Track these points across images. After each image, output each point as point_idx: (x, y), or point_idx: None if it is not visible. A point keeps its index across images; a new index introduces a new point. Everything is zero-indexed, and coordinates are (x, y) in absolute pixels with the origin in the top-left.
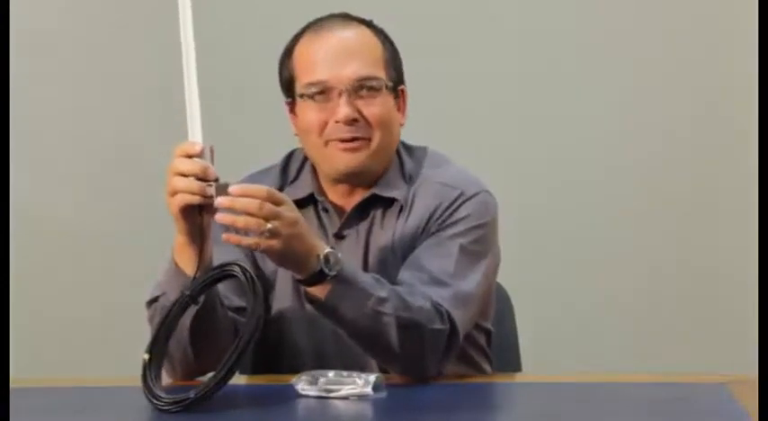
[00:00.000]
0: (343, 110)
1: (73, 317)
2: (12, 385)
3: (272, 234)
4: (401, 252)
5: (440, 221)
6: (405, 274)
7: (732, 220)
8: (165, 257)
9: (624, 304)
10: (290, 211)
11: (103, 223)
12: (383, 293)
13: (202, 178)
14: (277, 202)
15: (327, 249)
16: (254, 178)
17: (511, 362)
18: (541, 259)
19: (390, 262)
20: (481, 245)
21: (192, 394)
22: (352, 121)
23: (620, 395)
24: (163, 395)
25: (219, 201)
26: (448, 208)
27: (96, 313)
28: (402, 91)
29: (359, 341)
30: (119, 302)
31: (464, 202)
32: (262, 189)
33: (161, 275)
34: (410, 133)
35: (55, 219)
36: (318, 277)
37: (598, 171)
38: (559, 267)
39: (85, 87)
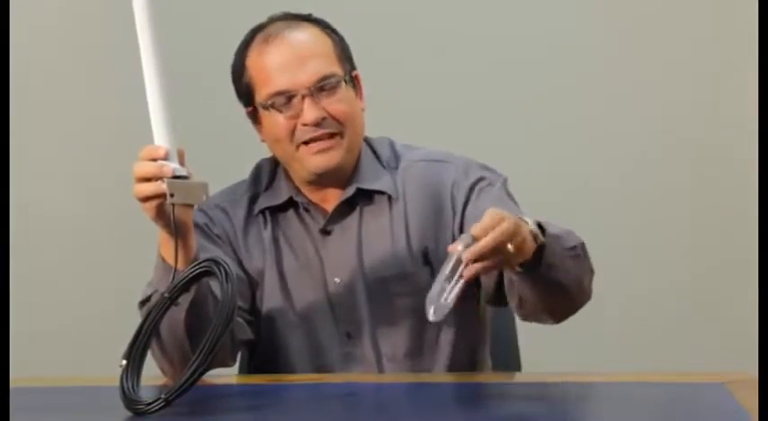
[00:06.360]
0: (310, 113)
1: (73, 316)
2: (12, 385)
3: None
4: (410, 237)
5: (477, 187)
6: None
7: (732, 220)
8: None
9: (624, 304)
10: (510, 220)
11: (104, 222)
12: (560, 232)
13: (161, 177)
14: (499, 221)
15: (531, 223)
16: (225, 194)
17: (511, 362)
18: None
19: (387, 251)
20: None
21: (163, 394)
22: (320, 121)
23: (621, 395)
24: (141, 398)
25: (466, 256)
26: (465, 175)
27: (96, 312)
28: (356, 77)
29: (569, 290)
30: (119, 302)
31: (472, 167)
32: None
33: (153, 274)
34: (413, 133)
35: (55, 218)
36: (537, 259)
37: (597, 171)
38: None
39: (86, 86)
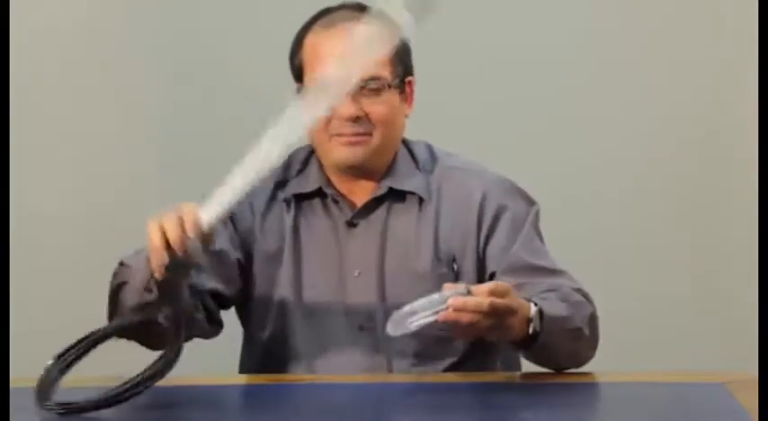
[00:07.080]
0: (347, 109)
1: (73, 316)
2: (12, 385)
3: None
4: (438, 240)
5: (504, 216)
6: (523, 279)
7: (732, 220)
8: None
9: (624, 304)
10: (512, 300)
11: (104, 222)
12: (566, 313)
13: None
14: (502, 294)
15: (533, 311)
16: None
17: (511, 361)
18: None
19: (411, 251)
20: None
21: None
22: (355, 119)
23: (621, 395)
24: (54, 400)
25: (451, 302)
26: (495, 196)
27: (96, 312)
28: (409, 82)
29: (563, 364)
30: None
31: (506, 189)
32: (485, 295)
33: (143, 251)
34: (423, 134)
35: (55, 218)
36: (531, 339)
37: (598, 172)
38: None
39: (87, 86)
